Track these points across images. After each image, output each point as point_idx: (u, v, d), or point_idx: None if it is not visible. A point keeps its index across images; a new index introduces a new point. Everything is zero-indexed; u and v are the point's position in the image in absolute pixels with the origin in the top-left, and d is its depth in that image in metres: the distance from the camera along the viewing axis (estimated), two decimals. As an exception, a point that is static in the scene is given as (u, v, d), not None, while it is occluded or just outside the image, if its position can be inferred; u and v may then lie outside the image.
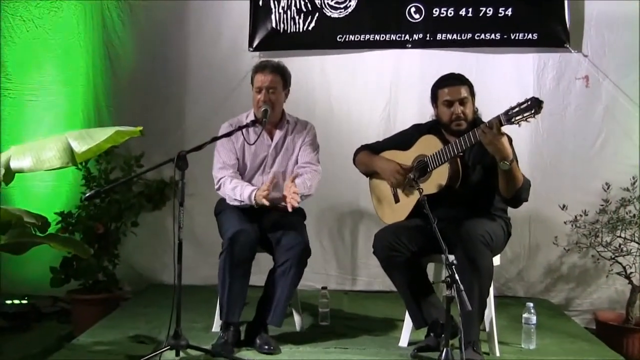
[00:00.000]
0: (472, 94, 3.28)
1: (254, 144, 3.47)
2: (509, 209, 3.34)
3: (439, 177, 3.22)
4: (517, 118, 2.83)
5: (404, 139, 3.49)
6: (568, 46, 4.45)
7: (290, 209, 3.22)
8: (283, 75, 3.49)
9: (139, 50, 4.80)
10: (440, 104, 3.29)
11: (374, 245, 3.28)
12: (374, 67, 4.69)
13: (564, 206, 4.18)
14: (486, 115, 3.20)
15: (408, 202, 3.37)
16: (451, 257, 2.73)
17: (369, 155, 3.58)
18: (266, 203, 3.25)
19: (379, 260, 3.28)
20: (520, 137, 4.25)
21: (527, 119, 2.81)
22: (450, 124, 3.26)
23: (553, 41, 4.48)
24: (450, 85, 3.26)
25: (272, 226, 3.42)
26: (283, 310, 3.31)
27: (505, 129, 2.97)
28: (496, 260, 3.29)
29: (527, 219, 4.48)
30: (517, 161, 3.11)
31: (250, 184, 3.46)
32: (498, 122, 2.90)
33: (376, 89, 4.69)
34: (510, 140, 3.17)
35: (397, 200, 3.45)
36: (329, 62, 4.71)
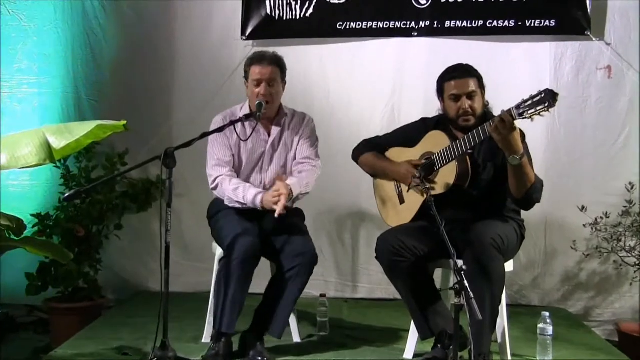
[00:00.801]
0: (481, 86, 3.31)
1: (247, 139, 3.49)
2: (523, 211, 3.36)
3: (447, 176, 3.24)
4: (530, 112, 2.84)
5: (410, 135, 3.51)
6: (589, 33, 4.46)
7: (276, 214, 3.24)
8: (281, 68, 3.52)
9: (122, 39, 4.81)
10: (447, 98, 3.31)
11: (376, 249, 3.30)
12: (376, 57, 4.70)
13: (583, 208, 4.21)
14: (498, 110, 3.22)
15: (413, 203, 3.40)
16: (460, 262, 2.73)
17: (376, 158, 3.58)
18: (279, 209, 3.26)
19: (381, 265, 3.30)
20: (536, 132, 4.28)
21: (541, 113, 2.82)
22: (458, 120, 3.28)
23: (572, 28, 4.49)
24: (457, 78, 3.28)
25: (275, 230, 3.44)
26: (286, 320, 3.36)
27: (518, 124, 2.99)
28: (509, 265, 3.31)
29: (542, 222, 4.51)
30: (530, 159, 3.14)
31: (252, 186, 3.48)
32: (509, 116, 2.91)
33: (379, 81, 4.71)
34: (523, 136, 3.19)
35: (402, 201, 3.48)
36: (328, 51, 4.73)
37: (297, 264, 3.32)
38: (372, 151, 3.61)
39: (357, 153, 3.68)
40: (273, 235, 3.44)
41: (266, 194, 3.37)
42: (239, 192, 3.41)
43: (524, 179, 3.07)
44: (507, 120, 2.91)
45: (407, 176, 3.40)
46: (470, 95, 3.26)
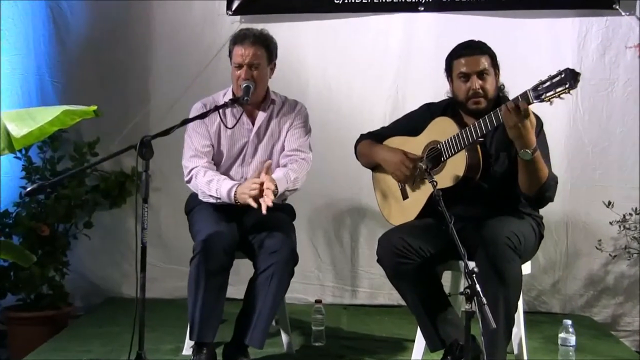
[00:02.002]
0: (494, 65, 3.32)
1: (232, 127, 3.51)
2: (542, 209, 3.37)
3: (455, 167, 3.25)
4: (549, 94, 2.85)
5: (414, 122, 3.53)
6: (617, 7, 4.46)
7: (264, 211, 3.23)
8: (267, 47, 3.52)
9: (91, 13, 4.80)
10: (456, 78, 3.33)
11: (378, 251, 3.31)
12: (379, 35, 4.72)
13: (609, 203, 4.24)
14: (514, 93, 3.22)
15: (418, 199, 3.41)
16: (471, 264, 2.74)
17: (370, 145, 3.61)
18: (254, 204, 3.26)
19: (384, 269, 3.31)
20: (557, 119, 4.30)
21: (561, 95, 2.83)
22: (467, 102, 3.29)
23: (599, 1, 4.50)
24: (468, 55, 3.29)
25: (253, 226, 3.46)
26: (265, 327, 3.35)
27: (536, 108, 2.99)
28: (526, 268, 3.33)
29: (564, 219, 4.54)
30: (547, 153, 3.17)
31: (228, 177, 3.50)
32: (525, 99, 2.92)
33: (382, 62, 4.73)
34: (540, 124, 3.21)
35: (405, 196, 3.49)
36: (324, 29, 4.73)
37: (271, 263, 3.31)
38: (368, 139, 3.64)
39: (356, 147, 3.71)
40: (253, 232, 3.45)
41: (241, 185, 3.38)
42: (213, 185, 3.43)
43: (536, 175, 3.09)
44: (521, 105, 2.91)
45: (397, 167, 3.42)
46: (481, 74, 3.26)
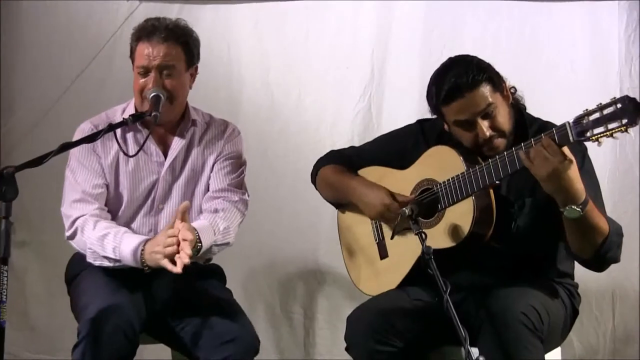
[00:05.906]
0: (499, 88, 3.21)
1: (134, 156, 3.49)
2: (577, 271, 3.39)
3: (458, 220, 3.22)
4: (597, 131, 2.75)
5: (400, 146, 3.56)
6: (684, -16, 4.59)
7: (178, 269, 3.17)
8: (186, 45, 3.53)
9: None
10: (452, 125, 3.26)
11: (347, 334, 3.31)
12: (346, 24, 4.80)
13: (672, 266, 4.31)
14: (534, 108, 3.26)
15: (402, 259, 3.41)
16: (475, 352, 2.78)
17: (339, 172, 3.63)
18: (170, 268, 3.19)
19: (355, 359, 3.30)
20: (597, 148, 4.34)
21: (614, 134, 2.74)
22: (481, 150, 3.21)
23: (657, -25, 4.61)
24: (458, 97, 3.16)
25: (177, 302, 3.44)
26: None
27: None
28: (555, 355, 3.37)
29: (608, 286, 4.60)
30: (597, 194, 3.14)
31: (130, 231, 3.48)
32: (563, 137, 2.84)
33: (348, 61, 4.80)
34: (584, 149, 3.15)
35: (383, 254, 3.51)
36: (268, 14, 4.80)
37: (225, 356, 3.29)
38: (337, 164, 3.67)
39: (316, 169, 3.73)
40: (180, 311, 3.43)
41: (151, 241, 3.33)
42: (108, 243, 3.38)
43: (590, 235, 3.05)
44: (551, 144, 2.85)
45: (378, 212, 3.42)
46: (486, 114, 3.17)
